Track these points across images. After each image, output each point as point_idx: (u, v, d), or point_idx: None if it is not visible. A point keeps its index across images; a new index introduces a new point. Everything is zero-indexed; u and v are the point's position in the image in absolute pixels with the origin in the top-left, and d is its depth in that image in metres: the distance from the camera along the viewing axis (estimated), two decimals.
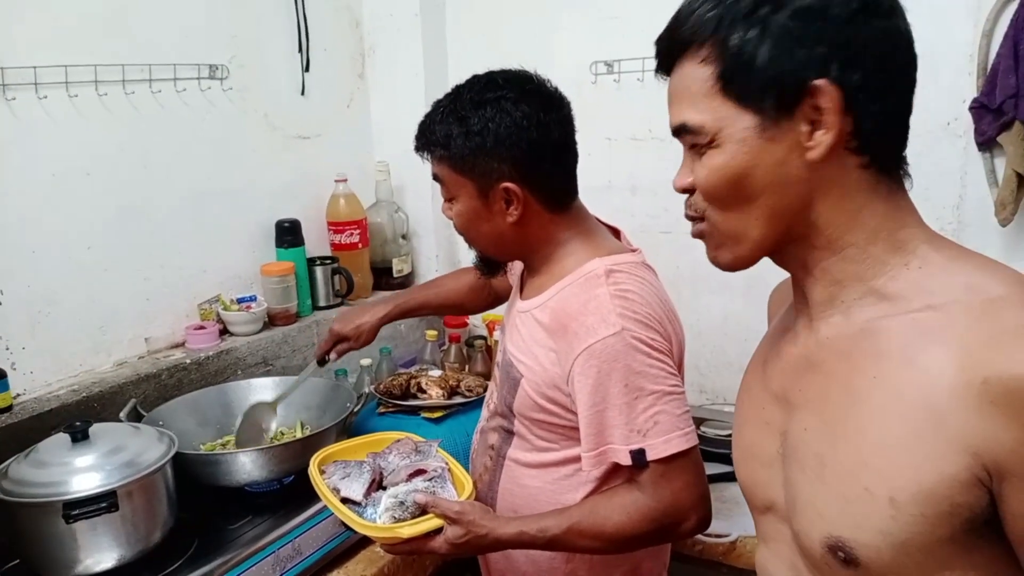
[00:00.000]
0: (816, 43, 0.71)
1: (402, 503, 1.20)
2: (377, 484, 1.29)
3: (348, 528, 1.23)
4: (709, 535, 1.60)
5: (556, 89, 1.29)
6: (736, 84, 0.74)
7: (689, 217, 0.84)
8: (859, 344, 0.76)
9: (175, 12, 1.84)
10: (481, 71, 1.31)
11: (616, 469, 1.20)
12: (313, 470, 1.34)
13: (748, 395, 0.95)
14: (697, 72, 0.76)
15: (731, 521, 1.65)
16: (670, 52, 0.80)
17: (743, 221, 0.79)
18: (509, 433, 1.36)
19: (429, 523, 1.19)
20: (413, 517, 1.20)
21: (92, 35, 1.68)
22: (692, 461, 1.18)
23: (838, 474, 0.75)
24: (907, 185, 0.79)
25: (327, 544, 1.51)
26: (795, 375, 0.84)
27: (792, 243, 0.79)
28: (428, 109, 1.32)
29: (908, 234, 0.77)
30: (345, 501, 1.26)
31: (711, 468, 1.83)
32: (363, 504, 1.25)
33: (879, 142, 0.75)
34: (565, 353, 1.19)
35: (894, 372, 0.71)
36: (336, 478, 1.30)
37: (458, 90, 1.27)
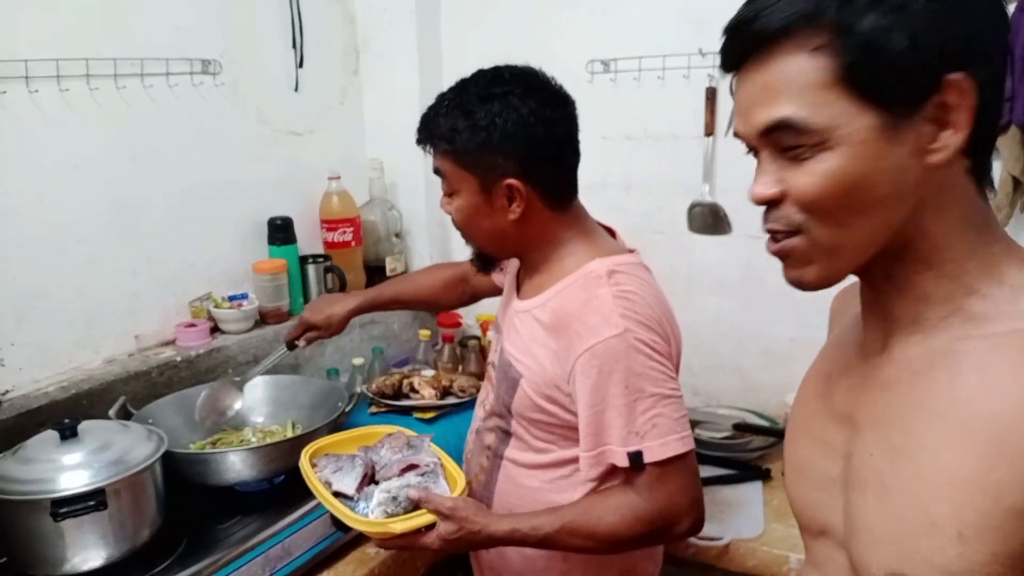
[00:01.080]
0: (955, 31, 0.64)
1: (395, 498, 1.19)
2: (369, 478, 1.28)
3: (338, 525, 1.23)
4: (703, 538, 1.60)
5: (561, 88, 1.28)
6: (864, 77, 0.65)
7: (773, 231, 0.74)
8: (937, 365, 0.70)
9: (167, 6, 1.82)
10: (476, 69, 1.30)
11: (613, 470, 1.20)
12: (304, 463, 1.33)
13: (805, 408, 0.89)
14: (806, 62, 0.67)
15: (724, 525, 1.65)
16: (759, 40, 0.69)
17: (847, 234, 0.70)
18: (506, 433, 1.35)
19: (422, 519, 1.18)
20: (406, 512, 1.19)
21: (84, 29, 1.66)
22: (687, 465, 1.18)
23: (903, 503, 0.69)
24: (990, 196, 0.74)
25: (317, 544, 1.50)
26: (863, 394, 0.78)
27: (887, 256, 0.72)
28: (422, 106, 1.31)
29: (1000, 249, 0.71)
30: (337, 495, 1.25)
31: (705, 471, 1.83)
32: (355, 498, 1.24)
33: (984, 145, 0.69)
34: (566, 353, 1.19)
35: (972, 396, 0.66)
36: (328, 471, 1.29)
37: (464, 84, 1.26)
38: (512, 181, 1.22)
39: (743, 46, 0.70)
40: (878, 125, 0.66)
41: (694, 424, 2.00)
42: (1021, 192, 1.69)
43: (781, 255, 0.74)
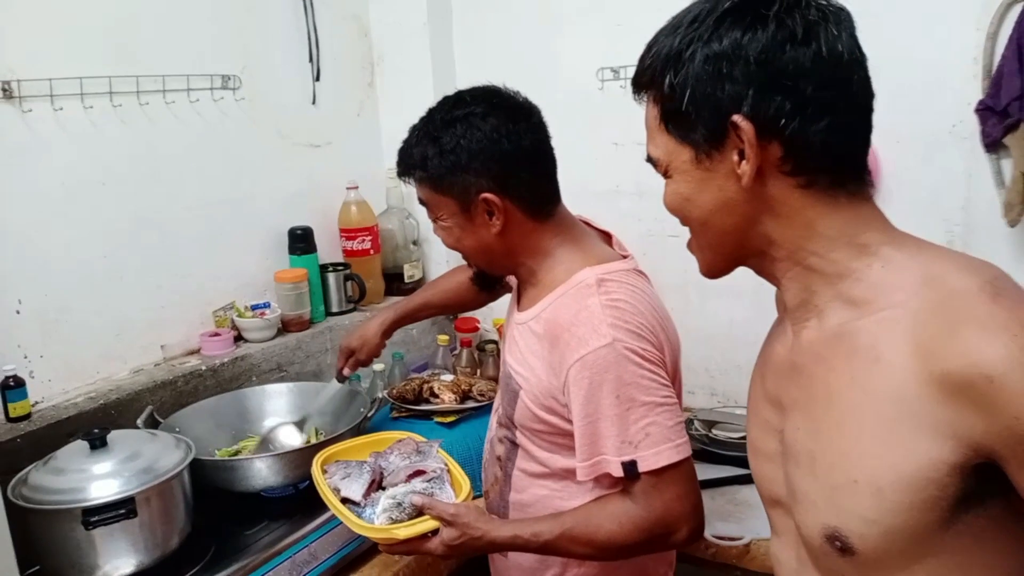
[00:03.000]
0: (729, 82, 0.77)
1: (399, 504, 1.22)
2: (377, 484, 1.31)
3: (379, 536, 1.25)
4: (723, 538, 1.61)
5: (526, 99, 1.31)
6: (671, 123, 0.82)
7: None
8: (833, 347, 0.80)
9: (188, 24, 1.87)
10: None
11: (614, 478, 1.20)
12: (316, 469, 1.36)
13: (753, 392, 0.99)
14: (651, 110, 0.85)
15: (743, 524, 1.66)
16: (637, 87, 0.87)
17: (702, 239, 0.88)
18: (513, 444, 1.36)
19: (425, 524, 1.20)
20: (410, 518, 1.22)
21: (107, 47, 1.71)
22: (684, 473, 1.17)
23: (827, 468, 0.79)
24: (871, 191, 0.82)
25: (343, 549, 1.52)
26: (784, 378, 0.88)
27: (755, 256, 0.86)
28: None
29: (869, 237, 0.79)
30: (345, 501, 1.28)
31: (723, 471, 1.85)
32: (362, 504, 1.27)
33: (817, 163, 0.78)
34: (559, 364, 1.20)
35: (864, 370, 0.75)
36: (337, 478, 1.32)
37: (430, 112, 1.31)
38: (487, 195, 1.24)
39: (633, 89, 0.87)
40: (693, 158, 0.82)
41: (712, 424, 2.02)
42: None
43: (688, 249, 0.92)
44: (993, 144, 1.74)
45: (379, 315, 1.77)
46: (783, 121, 0.76)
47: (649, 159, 0.87)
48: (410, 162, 1.31)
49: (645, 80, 0.84)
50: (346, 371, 1.76)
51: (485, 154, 1.24)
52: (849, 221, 0.80)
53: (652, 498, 1.16)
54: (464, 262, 1.47)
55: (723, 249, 0.87)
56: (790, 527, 0.88)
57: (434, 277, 2.46)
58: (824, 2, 0.78)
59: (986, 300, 0.69)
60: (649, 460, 1.14)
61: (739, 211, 0.82)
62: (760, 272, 0.88)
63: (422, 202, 1.34)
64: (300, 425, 1.75)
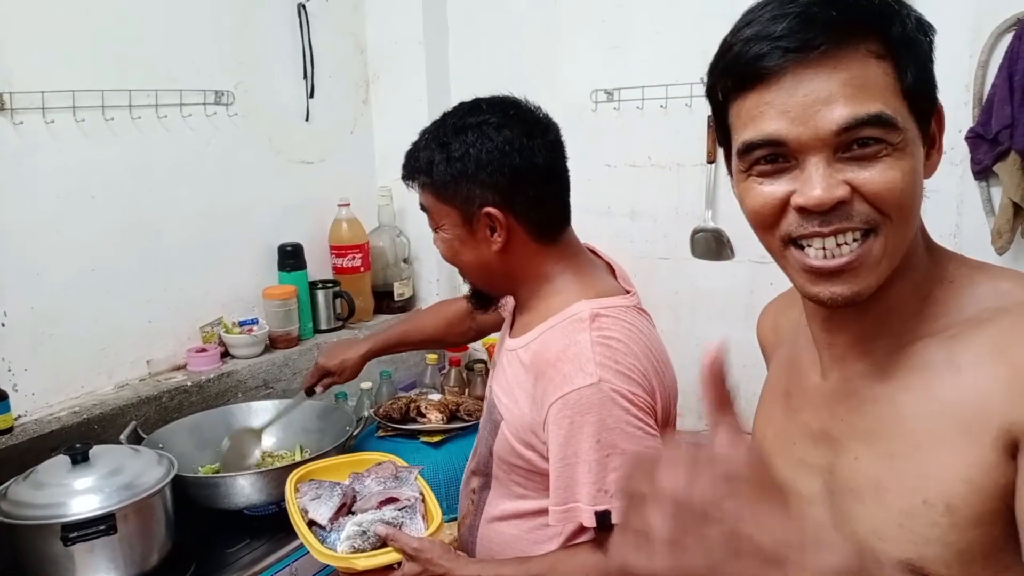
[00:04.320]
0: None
1: (364, 532, 1.17)
2: (347, 508, 1.26)
3: (338, 564, 1.21)
4: None
5: (545, 115, 1.25)
6: (918, 94, 0.70)
7: (843, 231, 0.70)
8: (902, 365, 0.74)
9: (182, 38, 1.87)
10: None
11: (584, 527, 1.14)
12: (288, 488, 1.32)
13: (771, 427, 0.90)
14: (876, 67, 0.69)
15: None
16: (839, 32, 0.68)
17: (909, 235, 0.73)
18: (487, 478, 1.30)
19: (387, 557, 1.15)
20: (373, 548, 1.17)
21: (100, 60, 1.71)
22: None
23: (897, 492, 0.72)
24: None
25: (325, 568, 1.51)
26: (834, 408, 0.80)
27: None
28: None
29: (939, 248, 0.78)
30: (312, 524, 1.24)
31: None
32: (328, 528, 1.22)
33: None
34: (541, 399, 1.14)
35: (941, 381, 0.71)
36: (307, 498, 1.27)
37: (443, 117, 1.25)
38: (491, 210, 1.18)
39: (812, 38, 0.68)
40: (920, 137, 0.71)
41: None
42: (1021, 217, 1.70)
43: (849, 267, 0.71)
44: (983, 171, 1.75)
45: (359, 344, 1.74)
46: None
47: (873, 120, 0.68)
48: (416, 166, 1.24)
49: (874, 28, 0.70)
50: (319, 389, 1.74)
51: (494, 166, 1.17)
52: (924, 228, 0.78)
53: None
54: (451, 285, 1.43)
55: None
56: None
57: (423, 296, 2.47)
58: None
59: None
60: None
61: None
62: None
63: (423, 208, 1.27)
64: (259, 433, 1.74)
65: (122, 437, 1.58)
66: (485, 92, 1.32)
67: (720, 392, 0.59)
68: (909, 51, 0.70)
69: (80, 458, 1.32)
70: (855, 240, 0.70)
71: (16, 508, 1.26)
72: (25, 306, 1.61)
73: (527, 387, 1.18)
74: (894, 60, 0.69)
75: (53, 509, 1.25)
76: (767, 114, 0.70)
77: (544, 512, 1.18)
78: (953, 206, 1.82)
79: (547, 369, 1.14)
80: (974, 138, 1.74)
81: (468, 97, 1.32)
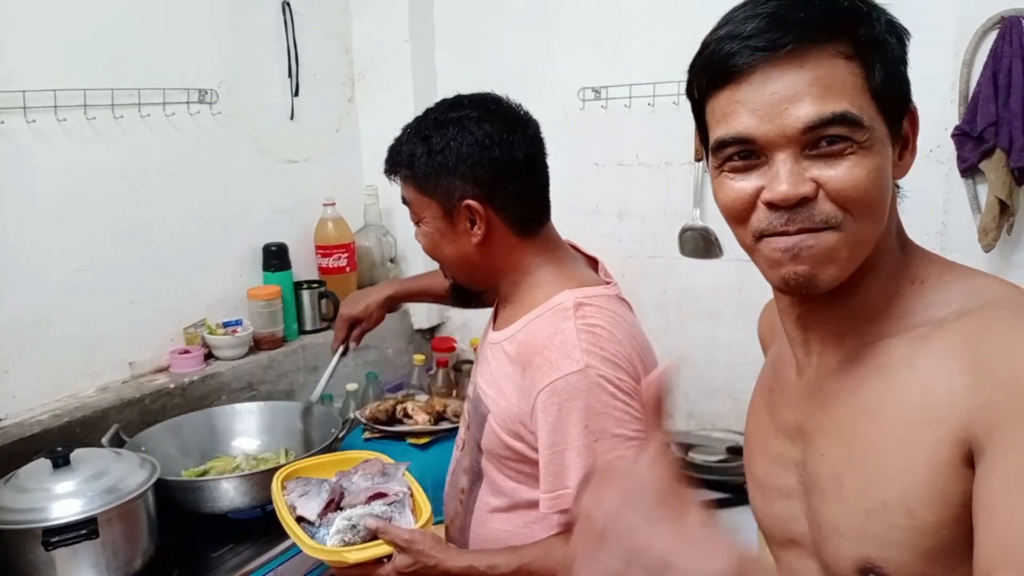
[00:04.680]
0: (907, 67, 0.74)
1: (354, 527, 1.18)
2: (335, 504, 1.26)
3: (329, 559, 1.20)
4: None
5: (526, 112, 1.28)
6: (887, 93, 0.71)
7: (805, 230, 0.72)
8: (867, 363, 0.76)
9: (165, 36, 1.85)
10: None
11: None
12: (275, 485, 1.31)
13: (756, 422, 0.93)
14: (844, 67, 0.70)
15: None
16: (806, 32, 0.70)
17: (874, 230, 0.73)
18: (477, 474, 1.31)
19: (378, 549, 1.16)
20: (364, 541, 1.17)
21: (81, 59, 1.68)
22: None
23: (857, 491, 0.74)
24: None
25: (309, 572, 1.50)
26: (806, 405, 0.82)
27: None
28: None
29: (911, 248, 0.79)
30: (300, 520, 1.24)
31: (699, 495, 1.83)
32: (316, 524, 1.22)
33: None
34: (528, 388, 1.16)
35: (898, 380, 0.72)
36: (295, 495, 1.27)
37: (425, 112, 1.28)
38: (471, 202, 1.21)
39: (779, 38, 0.69)
40: (889, 135, 0.72)
41: (688, 448, 2.00)
42: (1007, 214, 1.71)
43: (804, 253, 0.72)
44: (969, 169, 1.75)
45: (380, 288, 1.70)
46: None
47: (837, 119, 0.69)
48: (398, 159, 1.27)
49: (842, 28, 0.71)
50: (352, 343, 1.68)
51: (473, 159, 1.20)
52: (901, 227, 0.79)
53: None
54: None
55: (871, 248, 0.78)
56: (811, 569, 0.82)
57: None
58: None
59: None
60: None
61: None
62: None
63: (405, 202, 1.30)
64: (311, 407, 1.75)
65: (104, 440, 1.56)
66: (471, 90, 1.32)
67: (657, 408, 0.61)
68: (878, 52, 0.71)
69: (61, 461, 1.30)
70: (818, 234, 0.72)
71: None
72: (9, 307, 1.59)
73: (514, 378, 1.20)
74: (863, 60, 0.70)
75: (34, 513, 1.24)
76: (737, 112, 0.72)
77: (534, 504, 1.19)
78: (939, 204, 1.83)
79: (534, 358, 1.15)
80: (960, 136, 1.74)
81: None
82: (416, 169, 1.24)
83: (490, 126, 1.21)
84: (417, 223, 1.30)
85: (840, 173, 0.70)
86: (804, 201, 0.70)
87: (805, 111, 0.69)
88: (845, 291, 0.75)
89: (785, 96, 0.70)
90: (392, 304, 1.70)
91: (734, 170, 0.74)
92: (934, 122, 1.79)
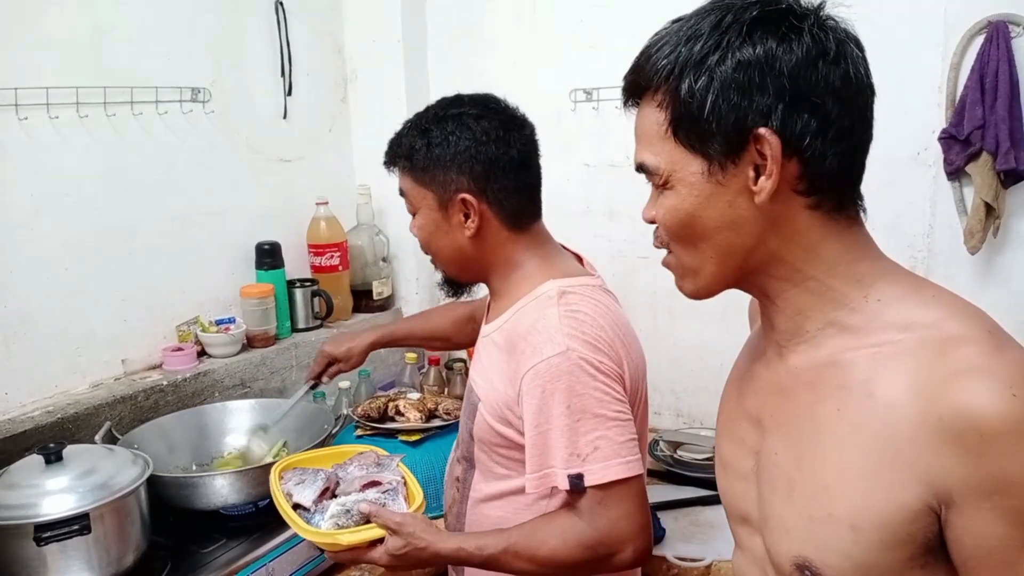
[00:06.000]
0: (759, 93, 0.73)
1: (348, 511, 1.21)
2: (330, 492, 1.29)
3: (322, 541, 1.23)
4: (684, 559, 1.61)
5: (522, 114, 1.33)
6: (685, 130, 0.77)
7: (657, 246, 0.87)
8: (823, 375, 0.78)
9: (157, 35, 1.85)
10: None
11: (564, 494, 1.18)
12: (273, 476, 1.34)
13: (726, 407, 0.98)
14: (653, 115, 0.79)
15: (706, 545, 1.66)
16: (632, 92, 0.83)
17: (699, 257, 0.82)
18: (470, 463, 1.35)
19: (370, 532, 1.19)
20: (357, 525, 1.20)
21: (74, 57, 1.69)
22: (632, 490, 1.15)
23: (805, 497, 0.77)
24: (863, 218, 0.82)
25: (301, 568, 1.50)
26: (767, 399, 0.87)
27: (754, 274, 0.82)
28: None
29: (866, 267, 0.79)
30: (297, 507, 1.27)
31: (686, 492, 1.85)
32: (312, 510, 1.25)
33: (829, 185, 0.77)
34: (514, 373, 1.20)
35: (855, 404, 0.74)
36: (291, 484, 1.31)
37: (426, 108, 1.33)
38: (466, 196, 1.25)
39: (625, 94, 0.84)
40: (705, 170, 0.77)
41: (677, 445, 2.02)
42: (993, 216, 1.72)
43: (665, 267, 0.87)
44: (956, 172, 1.77)
45: (364, 334, 1.74)
46: (807, 140, 0.74)
47: (641, 168, 0.82)
48: (397, 151, 1.32)
49: (650, 84, 0.79)
50: (325, 379, 1.72)
51: (470, 153, 1.25)
52: (848, 247, 0.79)
53: (597, 515, 1.13)
54: (430, 284, 1.45)
55: (723, 270, 0.82)
56: (757, 545, 0.87)
57: (402, 294, 2.48)
58: (844, 26, 0.77)
59: (989, 351, 0.69)
60: (596, 474, 1.12)
61: (747, 229, 0.78)
62: (751, 291, 0.85)
63: (402, 193, 1.34)
64: (265, 429, 1.73)
65: (97, 437, 1.56)
66: (464, 91, 1.35)
67: None
68: (672, 97, 0.77)
69: (54, 458, 1.30)
70: (668, 253, 0.86)
71: None
72: None
73: (501, 365, 1.24)
74: (670, 108, 0.78)
75: (26, 509, 1.24)
76: None
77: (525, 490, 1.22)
78: (926, 206, 1.85)
79: (519, 343, 1.20)
80: (947, 139, 1.76)
81: (447, 95, 1.34)
82: (415, 161, 1.29)
83: (488, 123, 1.26)
84: (412, 214, 1.34)
85: (657, 209, 0.82)
86: (654, 223, 0.84)
87: (634, 156, 0.84)
88: (774, 298, 0.82)
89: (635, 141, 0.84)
90: (375, 349, 1.74)
91: None
92: (921, 125, 1.81)
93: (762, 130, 0.73)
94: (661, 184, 0.80)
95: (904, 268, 0.82)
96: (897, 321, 0.75)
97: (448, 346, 1.97)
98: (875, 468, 0.71)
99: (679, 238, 0.82)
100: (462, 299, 1.46)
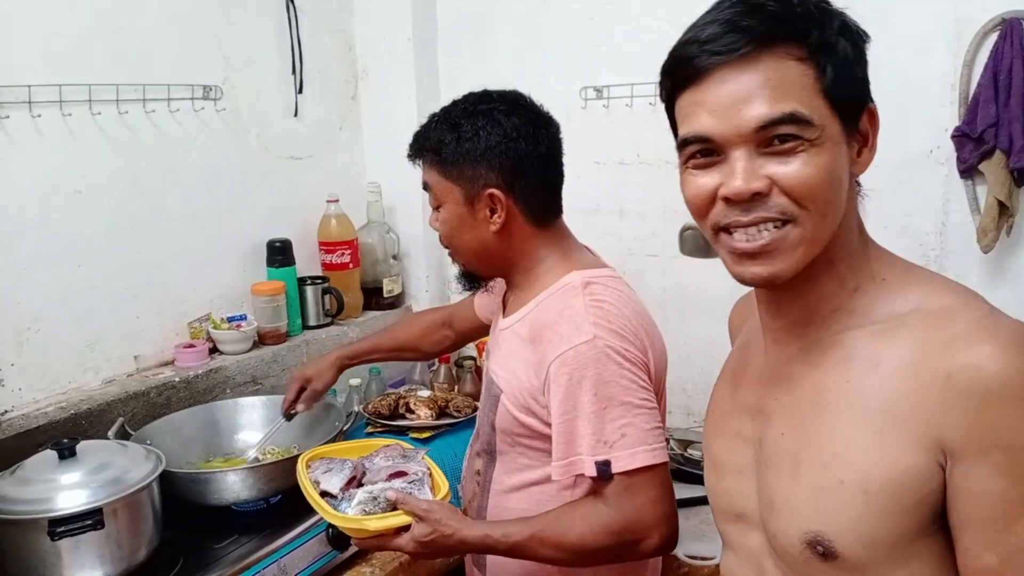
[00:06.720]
0: (865, 67, 0.78)
1: (375, 498, 1.22)
2: (357, 481, 1.31)
3: (333, 544, 1.25)
4: (695, 557, 1.61)
5: (547, 111, 1.34)
6: (840, 92, 0.75)
7: (761, 221, 0.76)
8: (828, 353, 0.81)
9: (169, 33, 1.86)
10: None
11: (591, 482, 1.19)
12: (300, 465, 1.36)
13: (717, 407, 0.99)
14: (795, 68, 0.74)
15: (716, 544, 1.65)
16: (756, 38, 0.74)
17: (829, 224, 0.77)
18: (492, 455, 1.36)
19: (397, 519, 1.20)
20: (384, 512, 1.21)
21: (87, 55, 1.70)
22: (658, 478, 1.16)
23: (813, 469, 0.79)
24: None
25: (313, 564, 1.51)
26: (768, 387, 0.88)
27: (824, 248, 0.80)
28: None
29: (873, 249, 0.84)
30: (324, 495, 1.28)
31: (697, 490, 1.84)
32: (339, 498, 1.27)
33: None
34: (540, 362, 1.21)
35: (861, 374, 0.77)
36: (319, 472, 1.33)
37: (454, 102, 1.33)
38: (494, 191, 1.26)
39: (734, 42, 0.74)
40: (842, 132, 0.76)
41: (687, 444, 2.02)
42: (1007, 215, 1.71)
43: (765, 250, 0.77)
44: (969, 170, 1.76)
45: (330, 353, 1.75)
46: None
47: (786, 119, 0.74)
48: (425, 144, 1.32)
49: (795, 30, 0.75)
50: (300, 406, 1.71)
51: (500, 149, 1.26)
52: (863, 226, 0.84)
53: (624, 501, 1.14)
54: (441, 281, 1.46)
55: (828, 238, 0.80)
56: (753, 542, 0.88)
57: (412, 292, 2.49)
58: None
59: (990, 316, 0.73)
60: (623, 461, 1.13)
61: (845, 200, 0.82)
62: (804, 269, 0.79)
63: (426, 187, 1.35)
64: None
65: (110, 433, 1.57)
66: (474, 88, 1.35)
67: None
68: (829, 54, 0.75)
69: (67, 453, 1.31)
70: (775, 227, 0.76)
71: (2, 503, 1.25)
72: (11, 301, 1.60)
73: (525, 355, 1.25)
74: (814, 62, 0.74)
75: (40, 504, 1.25)
76: (697, 112, 0.78)
77: (549, 480, 1.25)
78: (939, 204, 1.84)
79: (544, 332, 1.21)
80: (960, 137, 1.75)
81: (458, 94, 1.36)
82: (444, 155, 1.29)
83: (517, 120, 1.27)
84: (436, 208, 1.34)
85: (792, 170, 0.74)
86: (758, 197, 0.76)
87: (757, 111, 0.74)
88: (806, 282, 0.80)
89: (739, 97, 0.75)
90: (343, 364, 1.75)
91: (696, 167, 0.80)
92: (933, 123, 1.81)
93: (873, 105, 0.80)
94: (812, 139, 0.74)
95: (897, 255, 0.85)
96: (899, 300, 0.79)
97: (418, 356, 1.96)
98: (885, 431, 0.73)
99: (823, 201, 0.76)
100: (460, 301, 1.47)
